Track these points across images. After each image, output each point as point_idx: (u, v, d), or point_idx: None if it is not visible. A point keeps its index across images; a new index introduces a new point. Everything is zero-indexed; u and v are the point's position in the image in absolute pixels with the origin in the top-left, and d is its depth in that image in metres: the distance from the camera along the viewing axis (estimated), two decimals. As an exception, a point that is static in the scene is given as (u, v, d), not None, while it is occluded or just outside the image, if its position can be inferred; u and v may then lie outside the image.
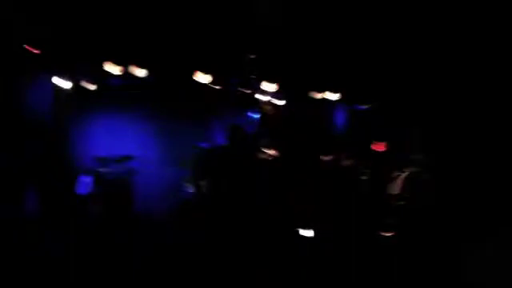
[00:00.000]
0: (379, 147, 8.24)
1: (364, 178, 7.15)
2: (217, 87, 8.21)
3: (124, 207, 7.38)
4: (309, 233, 6.45)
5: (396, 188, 6.84)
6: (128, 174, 7.53)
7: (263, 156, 7.38)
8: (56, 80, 7.28)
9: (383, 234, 6.83)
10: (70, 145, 7.65)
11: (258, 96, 8.57)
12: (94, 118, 7.90)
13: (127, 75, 7.59)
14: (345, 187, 6.88)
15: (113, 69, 7.50)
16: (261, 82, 8.43)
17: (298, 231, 6.48)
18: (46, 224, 6.90)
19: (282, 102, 8.68)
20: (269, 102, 8.55)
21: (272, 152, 7.45)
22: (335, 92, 8.76)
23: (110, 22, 7.29)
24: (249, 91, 8.54)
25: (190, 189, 7.78)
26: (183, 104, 8.14)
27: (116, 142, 8.01)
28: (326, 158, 7.02)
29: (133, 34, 7.43)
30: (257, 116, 8.04)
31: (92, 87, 7.56)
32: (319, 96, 8.73)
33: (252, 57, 8.12)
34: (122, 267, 6.30)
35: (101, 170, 7.37)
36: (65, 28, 7.04)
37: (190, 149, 7.97)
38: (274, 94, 8.48)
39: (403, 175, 6.91)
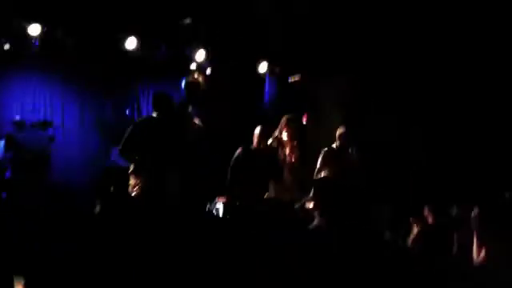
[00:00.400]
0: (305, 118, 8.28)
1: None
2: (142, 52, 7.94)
3: (39, 173, 7.10)
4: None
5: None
6: (46, 141, 7.25)
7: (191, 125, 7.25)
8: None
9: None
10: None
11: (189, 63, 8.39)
12: (10, 80, 7.55)
13: (46, 36, 7.19)
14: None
15: (32, 29, 7.10)
16: (191, 48, 8.24)
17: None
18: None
19: (208, 71, 8.53)
20: (197, 70, 8.37)
21: (198, 121, 7.31)
22: (267, 63, 8.67)
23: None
24: (178, 57, 8.33)
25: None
26: (105, 69, 7.89)
27: (33, 105, 7.71)
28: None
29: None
30: (184, 83, 7.87)
31: (6, 47, 7.15)
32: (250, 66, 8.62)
33: (184, 22, 7.86)
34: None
35: (17, 134, 7.06)
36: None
37: (110, 116, 7.81)
38: (203, 62, 8.30)
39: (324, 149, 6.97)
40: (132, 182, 5.70)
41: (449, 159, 7.54)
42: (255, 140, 6.51)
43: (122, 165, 7.40)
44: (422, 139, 7.90)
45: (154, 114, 5.79)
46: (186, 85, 7.98)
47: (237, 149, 6.60)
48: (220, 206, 6.43)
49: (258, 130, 6.56)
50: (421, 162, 7.79)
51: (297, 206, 6.76)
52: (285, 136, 6.67)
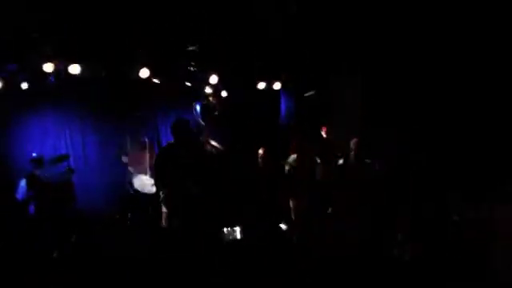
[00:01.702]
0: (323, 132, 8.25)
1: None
2: (157, 81, 8.05)
3: (64, 205, 7.21)
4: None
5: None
6: (66, 174, 7.34)
7: (209, 149, 7.30)
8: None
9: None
10: (5, 146, 7.46)
11: (202, 88, 8.47)
12: (27, 118, 7.72)
13: (61, 73, 7.35)
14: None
15: (47, 67, 7.27)
16: (203, 73, 8.31)
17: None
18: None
19: (224, 93, 8.59)
20: (212, 94, 8.44)
21: (217, 144, 7.37)
22: (279, 80, 8.69)
23: (44, 19, 7.04)
24: (191, 84, 8.41)
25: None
26: (120, 100, 8.01)
27: (50, 141, 7.86)
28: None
29: (68, 29, 7.18)
30: (198, 108, 7.94)
31: (24, 86, 7.33)
32: (263, 85, 8.65)
33: (193, 48, 7.96)
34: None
35: (36, 171, 7.19)
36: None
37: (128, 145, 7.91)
38: (216, 85, 8.37)
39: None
40: (164, 210, 5.83)
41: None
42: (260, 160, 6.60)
43: (146, 192, 7.54)
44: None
45: (173, 141, 5.88)
46: (201, 108, 8.08)
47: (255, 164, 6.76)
48: (237, 229, 6.45)
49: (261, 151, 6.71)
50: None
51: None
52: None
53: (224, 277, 5.49)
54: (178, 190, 5.69)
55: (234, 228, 6.43)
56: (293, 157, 6.99)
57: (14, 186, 7.09)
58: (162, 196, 5.91)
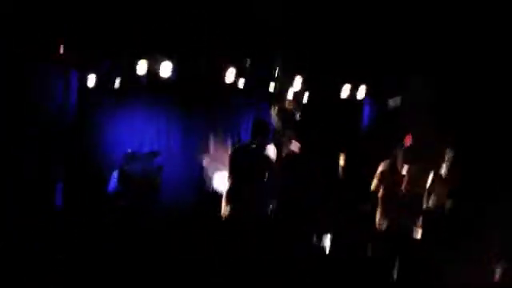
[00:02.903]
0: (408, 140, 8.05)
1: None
2: (240, 84, 8.16)
3: (151, 200, 7.44)
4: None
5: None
6: (157, 171, 7.55)
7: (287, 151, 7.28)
8: (80, 77, 7.38)
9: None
10: (96, 142, 7.78)
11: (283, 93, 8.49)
12: (118, 115, 8.01)
13: (152, 73, 7.60)
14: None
15: (139, 66, 7.54)
16: (286, 78, 8.34)
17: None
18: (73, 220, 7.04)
19: (306, 98, 8.58)
20: (293, 99, 8.45)
21: (295, 147, 7.33)
22: (362, 88, 8.58)
23: (137, 19, 7.31)
24: (273, 88, 8.46)
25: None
26: (206, 102, 8.19)
27: (137, 137, 8.12)
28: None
29: (158, 31, 7.42)
30: (273, 111, 7.96)
31: (117, 84, 7.63)
32: (346, 93, 8.56)
33: (278, 54, 8.02)
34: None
35: (127, 166, 7.45)
36: (90, 25, 7.09)
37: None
38: (298, 91, 8.37)
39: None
40: (224, 208, 5.82)
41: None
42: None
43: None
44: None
45: (252, 141, 5.92)
46: (277, 112, 8.09)
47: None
48: (327, 238, 6.35)
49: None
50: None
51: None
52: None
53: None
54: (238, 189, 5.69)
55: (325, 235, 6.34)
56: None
57: (105, 180, 7.42)
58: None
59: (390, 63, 7.91)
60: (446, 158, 6.67)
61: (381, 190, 6.12)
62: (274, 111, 8.05)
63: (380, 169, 6.33)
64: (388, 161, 6.34)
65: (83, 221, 7.02)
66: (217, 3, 7.41)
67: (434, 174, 6.65)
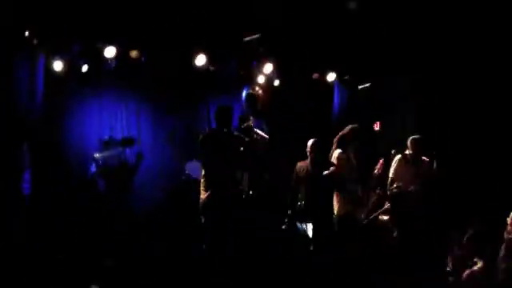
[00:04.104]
0: (377, 126, 8.19)
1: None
2: (212, 68, 8.12)
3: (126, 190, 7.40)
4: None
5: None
6: (136, 158, 7.48)
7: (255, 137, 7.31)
8: (49, 61, 7.23)
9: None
10: (65, 128, 7.66)
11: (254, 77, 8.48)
12: (87, 101, 7.89)
13: (122, 56, 7.48)
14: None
15: (108, 51, 7.42)
16: (258, 62, 8.32)
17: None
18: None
19: (276, 82, 8.58)
20: (264, 84, 8.45)
21: (262, 134, 7.37)
22: (333, 71, 8.62)
23: (105, 1, 7.17)
24: (245, 72, 8.45)
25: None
26: (177, 85, 8.11)
27: (107, 123, 8.02)
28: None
29: (129, 14, 7.30)
30: (244, 96, 7.96)
31: (85, 68, 7.50)
32: (316, 76, 8.60)
33: (251, 38, 7.97)
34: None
35: (105, 153, 7.37)
36: (59, 7, 6.93)
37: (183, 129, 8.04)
38: (269, 75, 8.37)
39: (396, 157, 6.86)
40: (202, 194, 5.89)
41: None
42: (309, 151, 6.50)
43: (197, 178, 7.62)
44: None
45: (217, 127, 5.98)
46: (246, 97, 8.11)
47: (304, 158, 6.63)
48: (309, 225, 6.42)
49: (310, 143, 6.55)
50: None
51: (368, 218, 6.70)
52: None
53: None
54: (215, 174, 5.81)
55: (307, 224, 6.40)
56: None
57: (74, 166, 7.36)
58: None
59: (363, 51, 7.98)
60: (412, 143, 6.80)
61: None
62: (244, 97, 8.06)
63: None
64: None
65: (53, 209, 7.00)
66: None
67: (399, 160, 6.82)
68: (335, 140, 6.69)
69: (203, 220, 5.91)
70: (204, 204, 5.86)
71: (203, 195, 5.87)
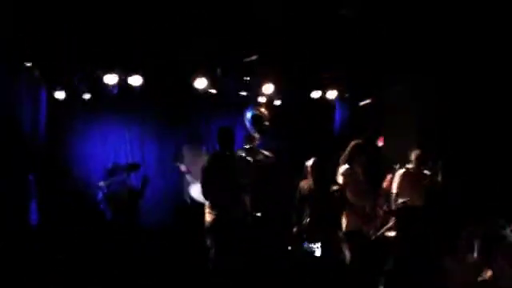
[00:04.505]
0: (381, 141, 8.20)
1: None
2: (213, 91, 8.18)
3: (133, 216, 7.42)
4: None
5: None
6: (142, 182, 7.51)
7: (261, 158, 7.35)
8: (50, 90, 7.31)
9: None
10: (69, 156, 7.71)
11: (255, 98, 8.53)
12: (90, 128, 7.95)
13: (122, 83, 7.56)
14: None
15: (108, 78, 7.49)
16: (258, 83, 8.38)
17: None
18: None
19: (278, 103, 8.63)
20: (265, 103, 8.50)
21: (268, 153, 7.40)
22: (333, 89, 8.66)
23: (104, 30, 7.25)
24: (246, 93, 8.50)
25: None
26: (179, 109, 8.18)
27: (111, 149, 8.07)
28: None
29: (127, 41, 7.38)
30: (249, 117, 8.01)
31: (87, 96, 7.57)
32: (317, 95, 8.64)
33: (249, 59, 8.04)
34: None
35: (110, 181, 7.40)
36: (58, 37, 7.01)
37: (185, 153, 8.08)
38: (270, 95, 8.42)
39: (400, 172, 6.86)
40: (208, 217, 5.92)
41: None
42: (309, 171, 6.50)
43: (202, 201, 7.63)
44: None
45: (220, 150, 6.00)
46: (251, 118, 8.15)
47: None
48: (318, 246, 6.41)
49: (309, 163, 6.55)
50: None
51: (376, 234, 6.67)
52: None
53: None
54: (219, 197, 5.85)
55: (315, 244, 6.38)
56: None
57: (80, 194, 7.40)
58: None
59: (363, 66, 8.02)
60: (414, 158, 6.81)
61: None
62: (248, 117, 8.10)
63: None
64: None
65: (60, 238, 7.01)
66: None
67: (402, 174, 6.83)
68: (342, 158, 6.68)
69: (208, 242, 5.95)
70: (209, 226, 5.91)
71: (209, 217, 5.93)
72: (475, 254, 5.90)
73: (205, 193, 5.99)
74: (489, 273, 6.23)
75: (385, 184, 7.11)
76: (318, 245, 6.33)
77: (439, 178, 6.71)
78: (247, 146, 7.20)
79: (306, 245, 6.41)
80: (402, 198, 6.68)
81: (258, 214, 6.91)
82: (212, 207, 5.91)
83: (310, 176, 6.51)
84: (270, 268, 6.59)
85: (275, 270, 6.59)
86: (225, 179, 5.88)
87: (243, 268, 5.85)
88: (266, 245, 6.88)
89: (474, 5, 6.79)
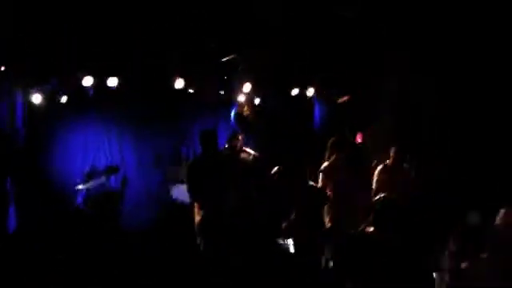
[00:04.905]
0: (359, 138, 8.24)
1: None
2: (192, 91, 8.16)
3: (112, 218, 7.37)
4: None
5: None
6: (121, 184, 7.45)
7: (246, 156, 7.36)
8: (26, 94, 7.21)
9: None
10: (47, 160, 7.61)
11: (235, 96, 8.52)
12: (68, 131, 7.86)
13: (99, 85, 7.50)
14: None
15: (86, 80, 7.43)
16: (237, 82, 8.37)
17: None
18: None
19: (257, 101, 8.64)
20: (245, 102, 8.50)
21: (252, 152, 7.42)
22: (311, 86, 8.69)
23: (80, 32, 7.19)
24: (225, 92, 8.49)
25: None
26: (157, 110, 8.13)
27: (90, 152, 8.00)
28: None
29: (103, 42, 7.32)
30: (232, 115, 8.01)
31: (64, 99, 7.49)
32: (296, 92, 8.67)
33: (230, 58, 8.04)
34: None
35: (88, 184, 7.35)
36: (34, 40, 6.94)
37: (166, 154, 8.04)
38: (249, 94, 8.42)
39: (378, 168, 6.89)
40: (197, 217, 5.91)
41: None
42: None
43: (184, 202, 7.62)
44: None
45: (203, 152, 6.00)
46: (234, 117, 8.17)
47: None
48: (291, 241, 6.41)
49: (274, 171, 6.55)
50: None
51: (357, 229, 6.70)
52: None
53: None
54: (210, 201, 5.84)
55: (287, 240, 6.39)
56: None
57: (59, 198, 7.31)
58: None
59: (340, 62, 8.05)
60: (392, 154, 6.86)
61: None
62: (233, 116, 8.11)
63: None
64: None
65: (40, 243, 6.93)
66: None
67: (380, 170, 6.88)
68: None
69: (199, 241, 5.96)
70: (199, 226, 5.94)
71: (197, 218, 5.96)
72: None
73: (192, 197, 6.03)
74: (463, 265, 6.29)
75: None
76: (290, 241, 6.37)
77: (413, 174, 6.79)
78: (227, 146, 7.21)
79: (281, 241, 6.43)
80: (380, 193, 6.71)
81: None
82: (199, 208, 5.93)
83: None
84: (260, 268, 6.56)
85: (265, 270, 6.56)
86: (209, 181, 5.87)
87: (233, 267, 5.83)
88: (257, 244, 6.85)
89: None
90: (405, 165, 6.93)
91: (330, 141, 6.86)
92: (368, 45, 7.84)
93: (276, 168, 6.54)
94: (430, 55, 7.57)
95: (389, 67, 7.95)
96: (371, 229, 6.75)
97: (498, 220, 4.87)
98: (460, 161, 7.52)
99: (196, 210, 5.99)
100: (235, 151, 7.19)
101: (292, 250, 6.30)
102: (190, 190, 6.04)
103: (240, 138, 7.28)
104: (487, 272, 4.44)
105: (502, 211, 5.08)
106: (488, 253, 4.48)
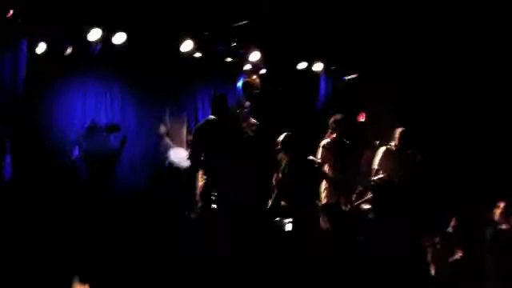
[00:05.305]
0: (361, 117, 8.20)
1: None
2: (199, 55, 8.04)
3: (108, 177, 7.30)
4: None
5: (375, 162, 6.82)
6: (120, 143, 7.37)
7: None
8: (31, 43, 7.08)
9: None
10: (46, 113, 7.52)
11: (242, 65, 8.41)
12: (70, 86, 7.75)
13: (106, 40, 7.36)
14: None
15: (92, 34, 7.29)
16: (246, 49, 8.26)
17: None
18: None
19: (263, 71, 8.53)
20: (252, 71, 8.39)
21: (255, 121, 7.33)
22: (321, 62, 8.59)
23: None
24: (233, 59, 8.38)
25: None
26: (163, 71, 8.02)
27: (91, 108, 7.92)
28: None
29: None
30: (240, 84, 7.90)
31: (68, 51, 7.36)
32: (304, 66, 8.57)
33: (239, 24, 7.91)
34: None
35: (90, 138, 7.26)
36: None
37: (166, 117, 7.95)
38: (257, 63, 8.31)
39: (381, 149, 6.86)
40: (200, 182, 5.87)
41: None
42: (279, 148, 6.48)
43: (181, 166, 7.56)
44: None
45: (212, 116, 5.92)
46: (243, 85, 8.04)
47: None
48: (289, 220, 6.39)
49: (281, 138, 6.54)
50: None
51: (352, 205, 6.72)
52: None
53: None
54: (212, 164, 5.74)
55: (286, 219, 6.37)
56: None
57: (56, 152, 7.24)
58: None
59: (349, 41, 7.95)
60: (397, 136, 6.83)
61: None
62: (239, 84, 7.99)
63: None
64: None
65: (34, 193, 6.89)
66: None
67: (384, 151, 6.85)
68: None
69: (200, 204, 5.88)
70: (200, 191, 5.86)
71: (201, 183, 5.87)
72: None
73: (193, 155, 5.90)
74: (459, 253, 6.36)
75: (363, 160, 7.14)
76: (289, 220, 6.35)
77: (418, 157, 6.75)
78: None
79: (278, 219, 6.41)
80: (381, 174, 6.71)
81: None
82: (204, 172, 5.85)
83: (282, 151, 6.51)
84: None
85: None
86: (218, 144, 5.79)
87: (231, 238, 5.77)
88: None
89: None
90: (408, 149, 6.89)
91: (333, 118, 6.85)
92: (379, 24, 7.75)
93: (284, 134, 6.47)
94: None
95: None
96: (367, 206, 6.82)
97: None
98: (462, 149, 7.53)
99: (200, 174, 5.88)
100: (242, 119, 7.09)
101: (289, 228, 6.31)
102: (193, 149, 5.93)
103: (246, 106, 7.19)
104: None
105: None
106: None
